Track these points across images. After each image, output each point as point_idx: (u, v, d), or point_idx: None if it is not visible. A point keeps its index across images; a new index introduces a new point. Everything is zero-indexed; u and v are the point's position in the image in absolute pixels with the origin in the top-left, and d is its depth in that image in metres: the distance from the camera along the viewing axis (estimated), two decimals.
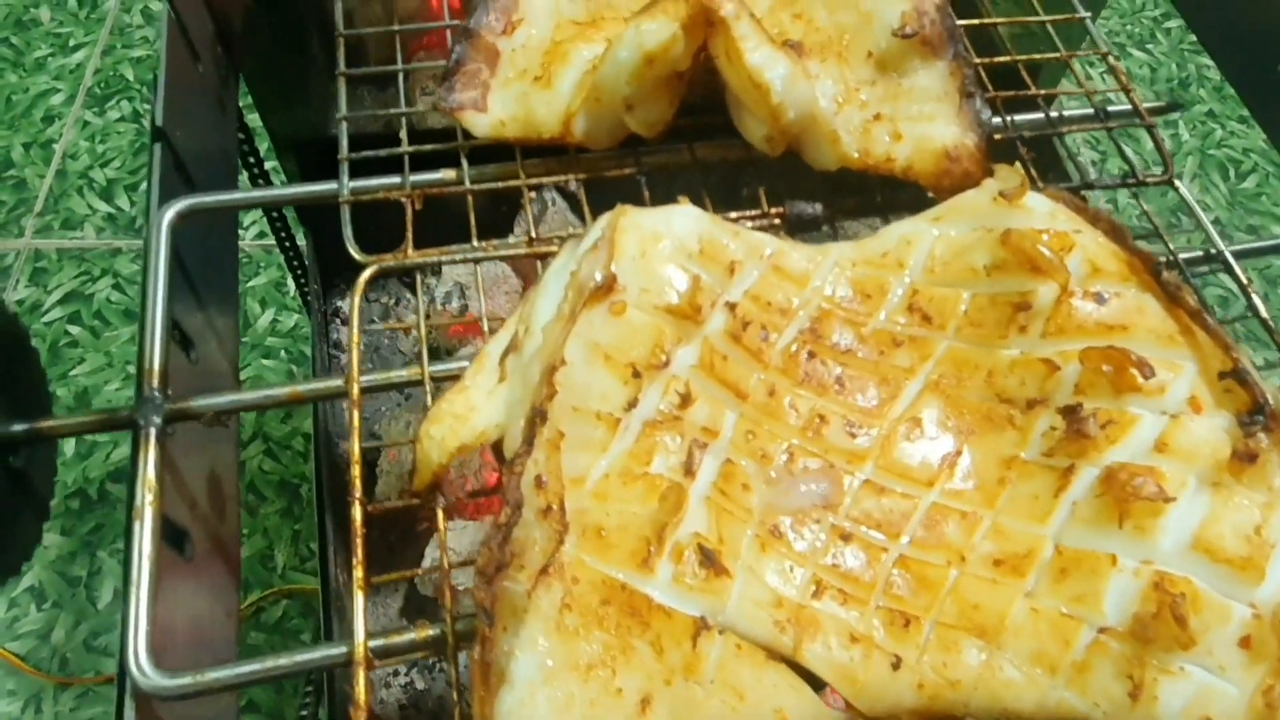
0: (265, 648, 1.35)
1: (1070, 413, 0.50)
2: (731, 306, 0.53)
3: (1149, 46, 2.11)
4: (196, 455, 0.59)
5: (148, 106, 1.92)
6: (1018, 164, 0.58)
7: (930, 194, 0.62)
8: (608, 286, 0.50)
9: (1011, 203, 0.55)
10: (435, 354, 1.05)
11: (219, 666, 0.46)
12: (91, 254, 1.71)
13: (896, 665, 0.45)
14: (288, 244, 1.14)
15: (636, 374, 0.50)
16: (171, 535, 0.54)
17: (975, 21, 0.74)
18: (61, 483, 1.45)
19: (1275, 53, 0.83)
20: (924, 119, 0.60)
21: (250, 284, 1.69)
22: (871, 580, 0.48)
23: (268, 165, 1.03)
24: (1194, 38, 0.93)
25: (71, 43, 2.00)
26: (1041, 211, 0.55)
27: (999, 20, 0.77)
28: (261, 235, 1.73)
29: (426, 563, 0.87)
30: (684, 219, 0.54)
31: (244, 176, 0.98)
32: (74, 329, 1.62)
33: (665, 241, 0.53)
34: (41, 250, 1.71)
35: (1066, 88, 0.78)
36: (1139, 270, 0.53)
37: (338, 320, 1.12)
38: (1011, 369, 0.53)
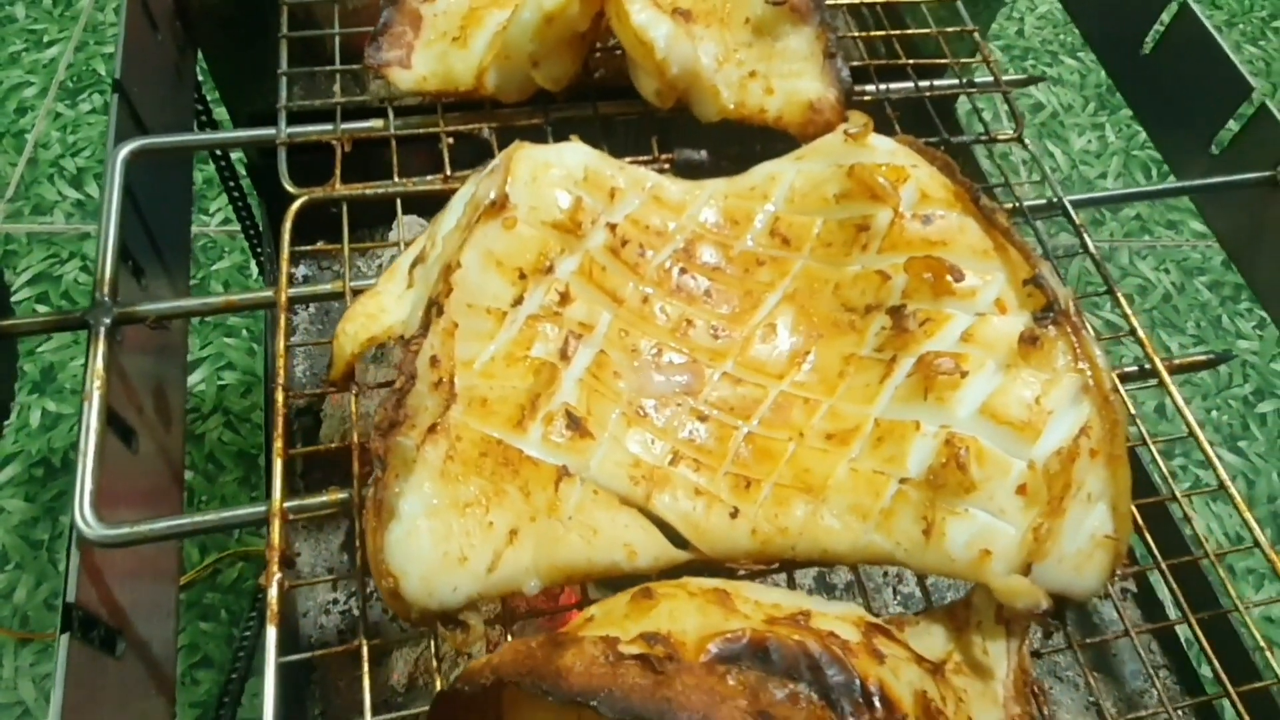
0: (220, 608, 1.40)
1: (896, 312, 0.58)
2: (612, 227, 0.61)
3: (1079, 54, 2.23)
4: (146, 366, 0.66)
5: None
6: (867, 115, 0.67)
7: (800, 143, 0.70)
8: (501, 204, 0.58)
9: (858, 141, 0.63)
10: None
11: (154, 520, 0.53)
12: (60, 238, 1.77)
13: (734, 515, 0.53)
14: (247, 220, 1.22)
15: (523, 276, 0.57)
16: (119, 428, 0.61)
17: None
18: (26, 452, 1.51)
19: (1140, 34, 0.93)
20: (792, 76, 0.69)
21: (215, 267, 1.76)
22: (722, 452, 0.56)
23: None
24: None
25: (46, 39, 2.07)
26: (884, 149, 0.64)
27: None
28: (226, 221, 1.80)
29: None
30: (574, 153, 0.62)
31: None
32: (42, 309, 1.67)
33: (555, 169, 0.61)
34: (11, 234, 1.77)
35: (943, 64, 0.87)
36: (963, 198, 0.62)
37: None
38: (854, 282, 0.61)
